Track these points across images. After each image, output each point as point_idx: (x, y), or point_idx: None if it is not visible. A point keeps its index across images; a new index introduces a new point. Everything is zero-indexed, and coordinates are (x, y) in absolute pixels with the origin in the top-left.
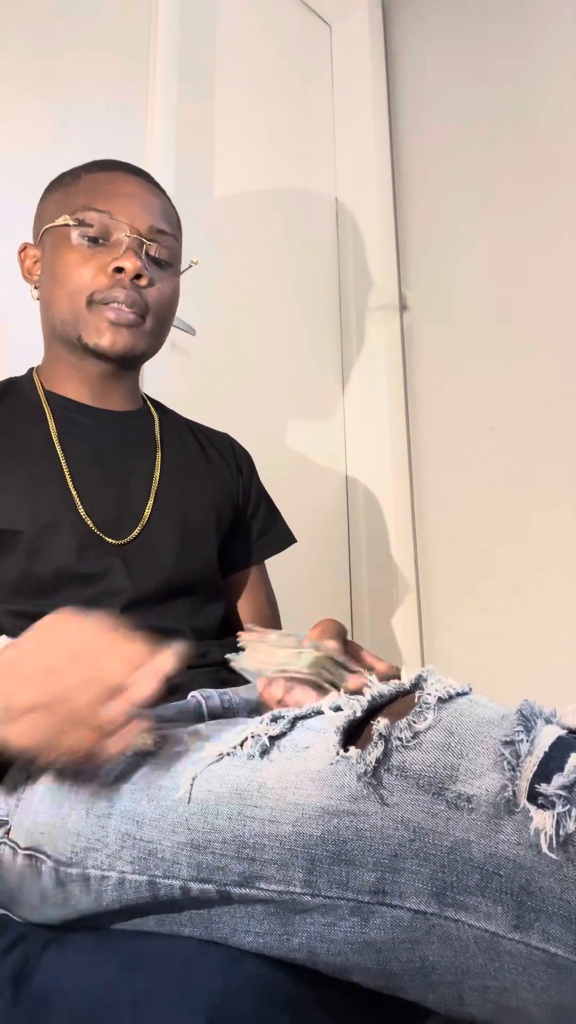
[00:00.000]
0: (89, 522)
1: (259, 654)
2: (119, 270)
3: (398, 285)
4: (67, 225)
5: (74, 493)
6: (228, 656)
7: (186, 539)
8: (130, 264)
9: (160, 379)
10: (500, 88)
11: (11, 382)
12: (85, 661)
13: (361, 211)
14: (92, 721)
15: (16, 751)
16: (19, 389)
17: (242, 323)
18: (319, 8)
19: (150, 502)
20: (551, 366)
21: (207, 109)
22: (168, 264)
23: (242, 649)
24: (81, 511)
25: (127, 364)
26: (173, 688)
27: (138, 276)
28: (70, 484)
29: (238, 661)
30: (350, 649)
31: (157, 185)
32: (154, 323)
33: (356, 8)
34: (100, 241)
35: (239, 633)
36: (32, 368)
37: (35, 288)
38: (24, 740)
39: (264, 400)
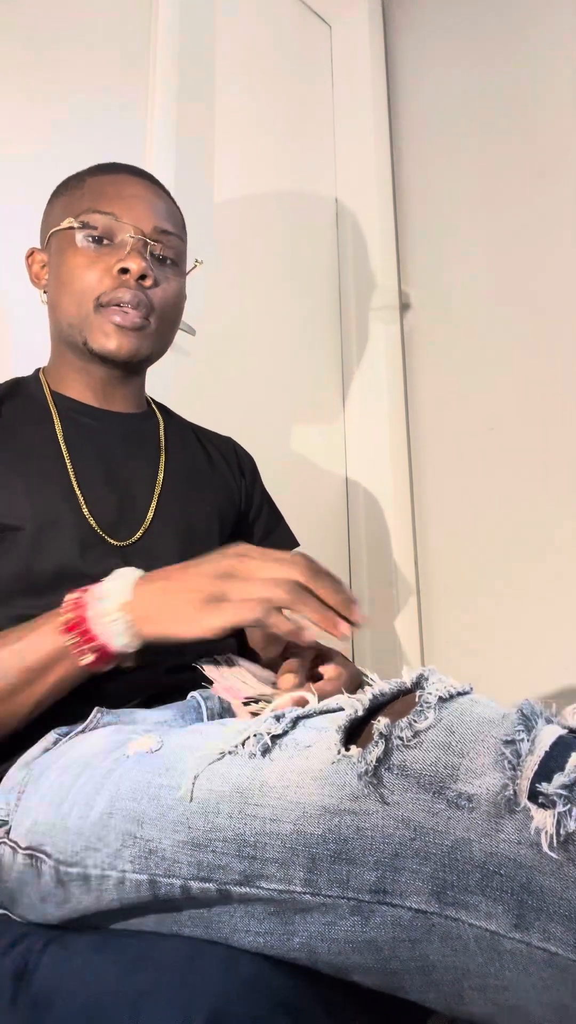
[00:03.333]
0: (92, 521)
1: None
2: (124, 271)
3: (398, 285)
4: (72, 228)
5: (78, 492)
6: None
7: (188, 542)
8: (135, 265)
9: (160, 379)
10: (500, 87)
11: (17, 382)
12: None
13: (361, 211)
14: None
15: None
16: (25, 389)
17: (242, 323)
18: (319, 8)
19: (153, 504)
20: (552, 365)
21: (207, 109)
22: (173, 264)
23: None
24: (84, 510)
25: (132, 368)
26: (172, 689)
27: (143, 276)
28: (74, 483)
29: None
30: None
31: (161, 187)
32: (160, 324)
33: (356, 8)
34: (105, 242)
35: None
36: (38, 369)
37: (43, 292)
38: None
39: (264, 400)
